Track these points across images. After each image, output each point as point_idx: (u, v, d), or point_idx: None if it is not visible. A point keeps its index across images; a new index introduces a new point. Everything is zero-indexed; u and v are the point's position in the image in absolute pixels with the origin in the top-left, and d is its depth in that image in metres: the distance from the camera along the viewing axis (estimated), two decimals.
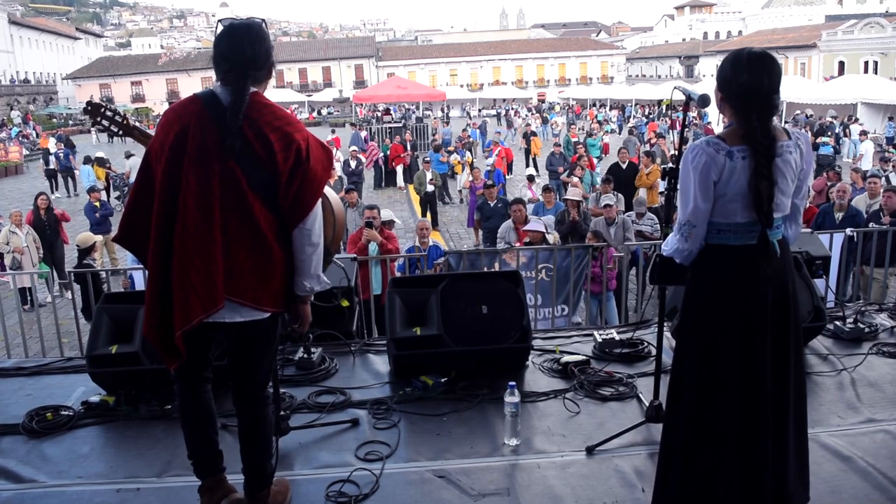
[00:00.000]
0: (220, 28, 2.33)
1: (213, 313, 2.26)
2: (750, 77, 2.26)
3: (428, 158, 15.62)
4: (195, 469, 2.53)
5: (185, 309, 2.23)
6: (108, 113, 3.00)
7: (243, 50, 2.28)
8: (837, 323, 4.28)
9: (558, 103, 49.82)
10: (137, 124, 3.20)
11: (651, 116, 35.17)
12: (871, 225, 6.88)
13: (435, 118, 32.57)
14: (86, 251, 8.20)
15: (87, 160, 17.47)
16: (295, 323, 2.51)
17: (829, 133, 21.91)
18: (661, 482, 2.48)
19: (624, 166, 11.97)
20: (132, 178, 14.40)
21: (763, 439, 2.33)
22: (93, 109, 3.00)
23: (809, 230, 6.22)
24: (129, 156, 17.59)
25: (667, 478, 2.46)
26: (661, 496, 2.48)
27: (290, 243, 2.36)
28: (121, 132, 3.02)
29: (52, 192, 19.65)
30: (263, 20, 2.40)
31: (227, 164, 2.24)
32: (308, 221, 2.33)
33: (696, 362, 2.39)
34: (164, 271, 2.28)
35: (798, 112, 25.77)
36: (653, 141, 17.87)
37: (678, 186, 2.40)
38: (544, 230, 7.03)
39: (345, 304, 4.19)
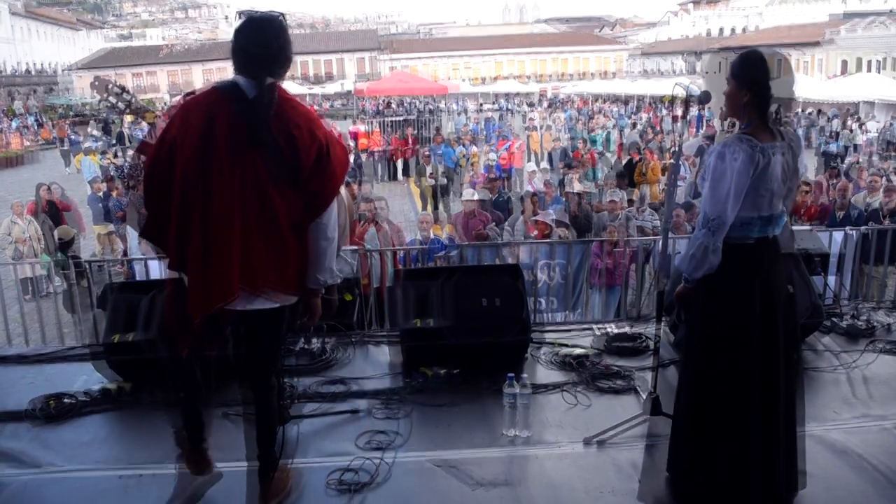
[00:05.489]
0: (242, 19, 2.33)
1: (230, 302, 2.29)
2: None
3: (427, 152, 15.52)
4: (188, 437, 2.60)
5: (205, 296, 2.27)
6: (116, 90, 2.98)
7: (269, 44, 2.30)
8: (835, 319, 4.31)
9: (560, 98, 49.66)
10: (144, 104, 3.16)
11: (656, 106, 35.11)
12: (869, 223, 6.88)
13: (467, 118, 31.56)
14: (67, 244, 8.14)
15: (88, 152, 17.61)
16: (305, 316, 2.55)
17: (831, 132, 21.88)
18: (675, 473, 2.57)
19: (623, 162, 11.98)
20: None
21: (777, 428, 2.43)
22: (100, 85, 3.00)
23: (809, 227, 6.23)
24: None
25: (677, 468, 2.55)
26: (677, 486, 2.56)
27: (305, 237, 2.38)
28: (128, 110, 3.00)
29: (66, 169, 22.42)
30: (282, 14, 2.39)
31: (252, 156, 2.27)
32: (325, 217, 2.37)
33: (719, 354, 2.46)
34: (184, 259, 2.31)
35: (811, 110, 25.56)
36: (649, 137, 17.85)
37: (707, 181, 2.45)
38: (552, 223, 7.06)
39: (348, 298, 4.23)
